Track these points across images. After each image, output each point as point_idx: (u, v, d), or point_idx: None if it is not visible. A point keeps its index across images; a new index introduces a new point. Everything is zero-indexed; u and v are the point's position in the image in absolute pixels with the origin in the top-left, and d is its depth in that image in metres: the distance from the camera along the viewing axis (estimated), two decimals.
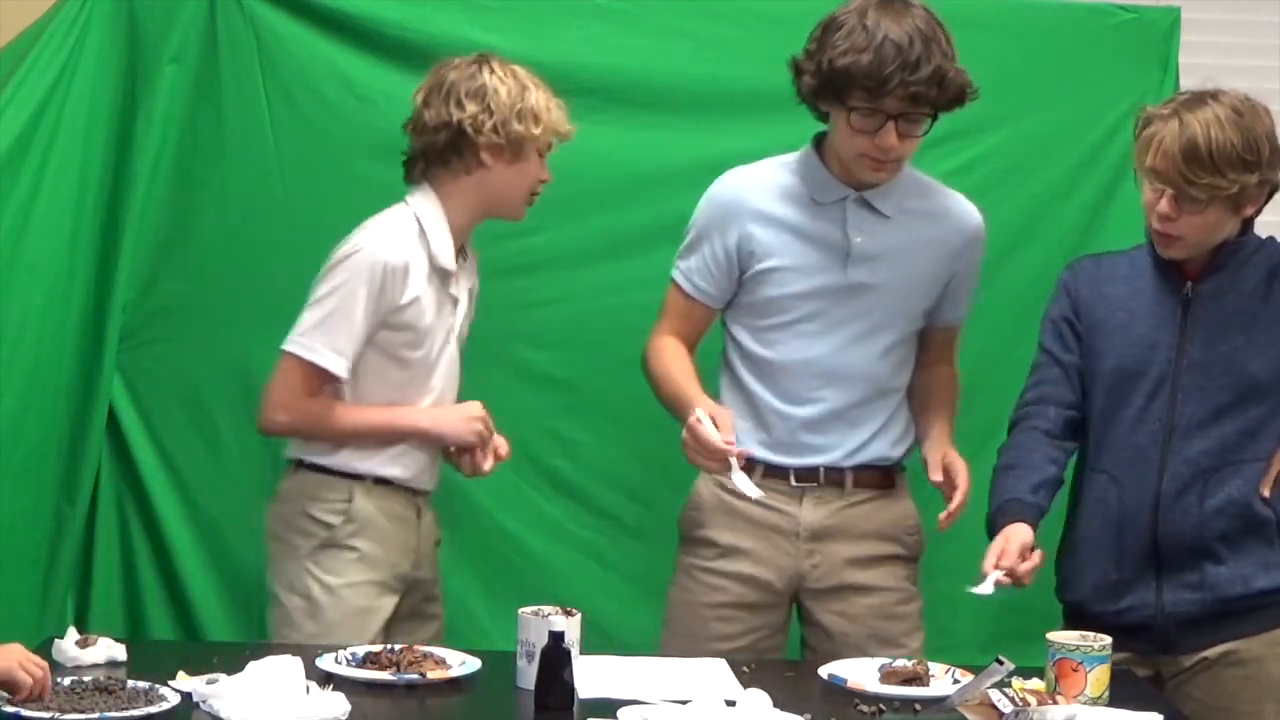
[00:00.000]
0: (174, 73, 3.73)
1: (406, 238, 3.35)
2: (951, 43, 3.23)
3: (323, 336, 3.30)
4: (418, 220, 3.36)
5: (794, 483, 3.33)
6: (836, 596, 3.35)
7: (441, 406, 3.41)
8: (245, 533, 3.80)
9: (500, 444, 3.43)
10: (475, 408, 3.39)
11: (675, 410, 3.32)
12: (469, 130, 3.33)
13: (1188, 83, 3.86)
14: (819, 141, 3.38)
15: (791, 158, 3.40)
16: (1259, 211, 3.18)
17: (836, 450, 3.34)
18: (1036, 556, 3.12)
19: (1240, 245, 3.18)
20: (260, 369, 3.77)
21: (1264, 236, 3.24)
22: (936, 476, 3.30)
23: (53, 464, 3.60)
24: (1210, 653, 3.15)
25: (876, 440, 3.37)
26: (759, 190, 3.37)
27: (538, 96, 3.37)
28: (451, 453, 3.43)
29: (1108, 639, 2.94)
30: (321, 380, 3.33)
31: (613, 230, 3.85)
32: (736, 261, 3.36)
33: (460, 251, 3.44)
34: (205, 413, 3.79)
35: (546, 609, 2.89)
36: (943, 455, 3.31)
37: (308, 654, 2.88)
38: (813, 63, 3.25)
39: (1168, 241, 3.15)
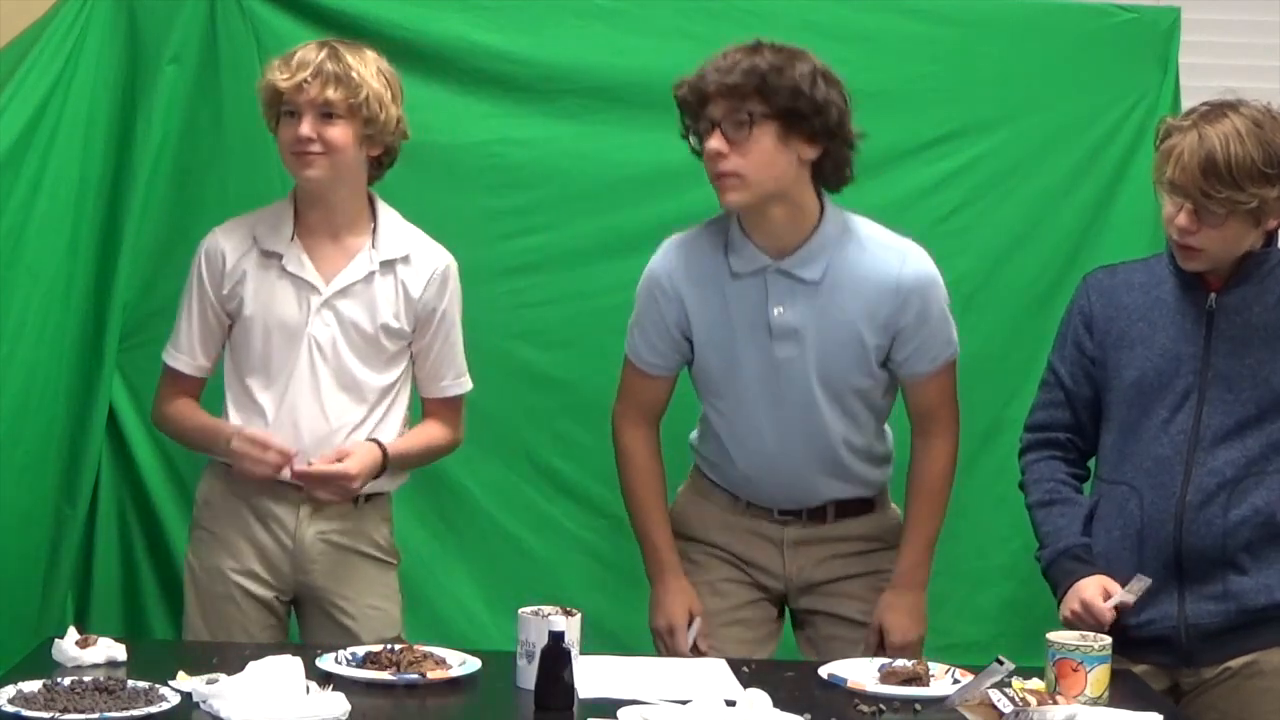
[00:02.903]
0: (174, 73, 3.72)
1: (239, 222, 3.43)
2: (812, 72, 3.19)
3: (172, 334, 3.46)
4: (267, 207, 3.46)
5: (777, 516, 3.38)
6: (824, 589, 3.39)
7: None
8: None
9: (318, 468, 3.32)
10: (243, 430, 3.32)
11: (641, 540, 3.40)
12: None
13: (1188, 83, 3.87)
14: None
15: (719, 224, 3.32)
16: None
17: (814, 500, 3.37)
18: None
19: (1264, 257, 3.14)
20: None
21: None
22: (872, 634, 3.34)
23: (53, 464, 3.59)
24: (1233, 664, 3.11)
25: (852, 484, 3.38)
26: (688, 266, 3.29)
27: (269, 66, 3.39)
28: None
29: (1108, 639, 2.94)
30: (167, 373, 3.45)
31: (612, 230, 3.85)
32: (679, 335, 3.33)
33: (372, 242, 3.41)
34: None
35: (546, 609, 2.89)
36: (881, 614, 3.33)
37: (308, 654, 2.88)
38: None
39: (1188, 254, 3.11)
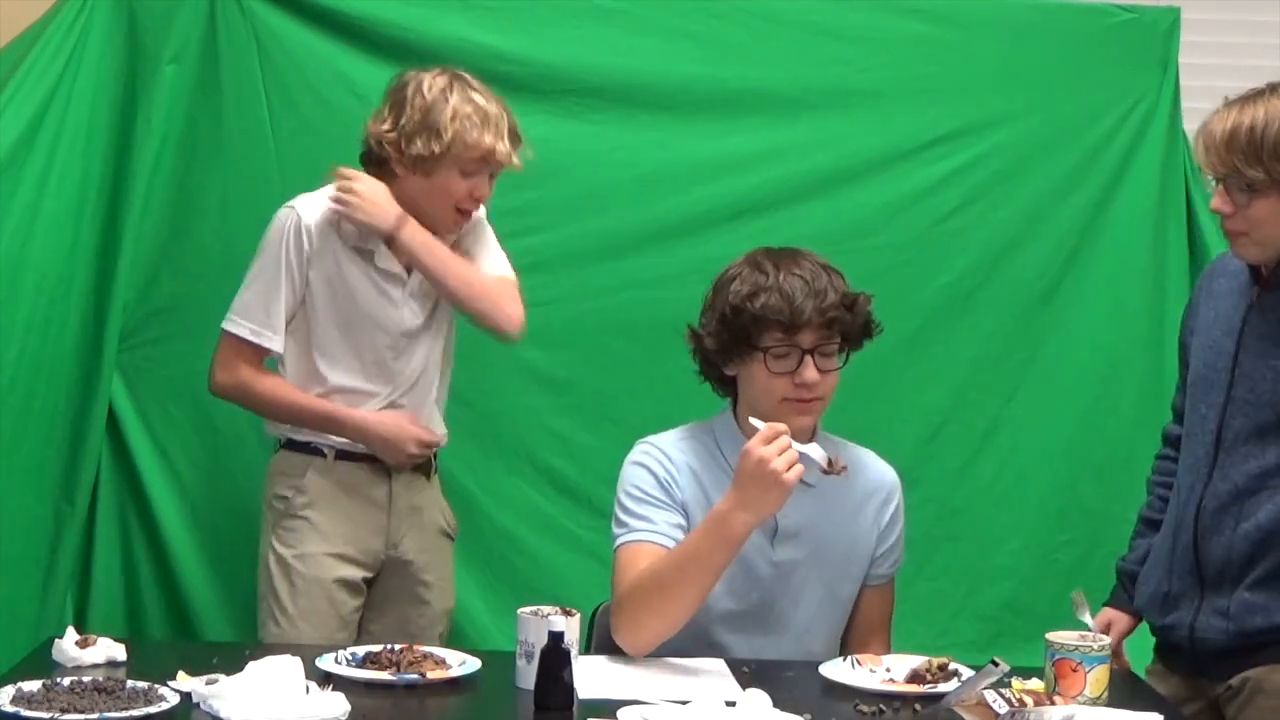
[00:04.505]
0: (174, 73, 3.73)
1: (322, 198, 3.39)
2: (845, 280, 3.05)
3: (237, 303, 3.41)
4: None
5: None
6: None
7: (394, 416, 3.41)
8: (245, 532, 3.81)
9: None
10: (420, 435, 3.42)
11: None
12: (378, 144, 3.38)
13: (1188, 83, 3.88)
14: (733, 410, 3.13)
15: (707, 434, 3.15)
16: None
17: None
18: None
19: None
20: None
21: None
22: None
23: (53, 464, 3.60)
24: (1234, 681, 2.96)
25: None
26: (689, 471, 3.13)
27: (448, 114, 3.31)
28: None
29: (1106, 639, 2.92)
30: (247, 347, 3.40)
31: (612, 230, 3.85)
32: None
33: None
34: (204, 413, 3.79)
35: (546, 609, 2.89)
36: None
37: (307, 654, 2.88)
38: (712, 317, 3.06)
39: (1234, 240, 2.94)
